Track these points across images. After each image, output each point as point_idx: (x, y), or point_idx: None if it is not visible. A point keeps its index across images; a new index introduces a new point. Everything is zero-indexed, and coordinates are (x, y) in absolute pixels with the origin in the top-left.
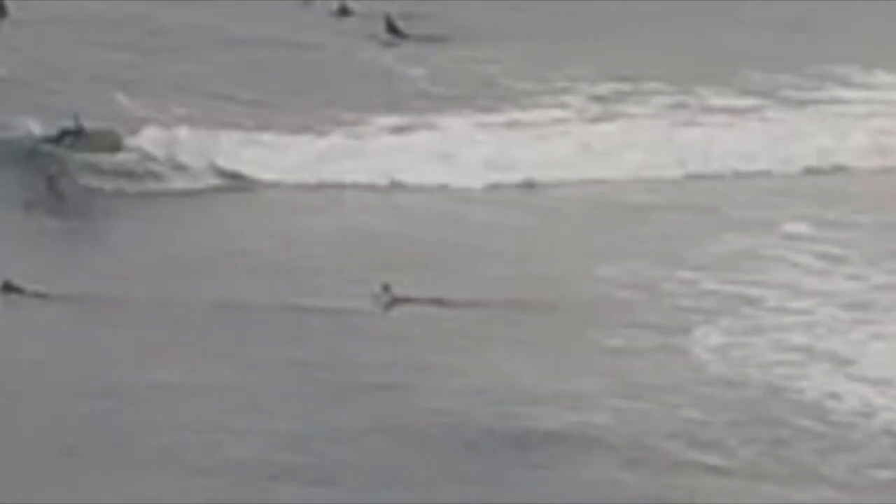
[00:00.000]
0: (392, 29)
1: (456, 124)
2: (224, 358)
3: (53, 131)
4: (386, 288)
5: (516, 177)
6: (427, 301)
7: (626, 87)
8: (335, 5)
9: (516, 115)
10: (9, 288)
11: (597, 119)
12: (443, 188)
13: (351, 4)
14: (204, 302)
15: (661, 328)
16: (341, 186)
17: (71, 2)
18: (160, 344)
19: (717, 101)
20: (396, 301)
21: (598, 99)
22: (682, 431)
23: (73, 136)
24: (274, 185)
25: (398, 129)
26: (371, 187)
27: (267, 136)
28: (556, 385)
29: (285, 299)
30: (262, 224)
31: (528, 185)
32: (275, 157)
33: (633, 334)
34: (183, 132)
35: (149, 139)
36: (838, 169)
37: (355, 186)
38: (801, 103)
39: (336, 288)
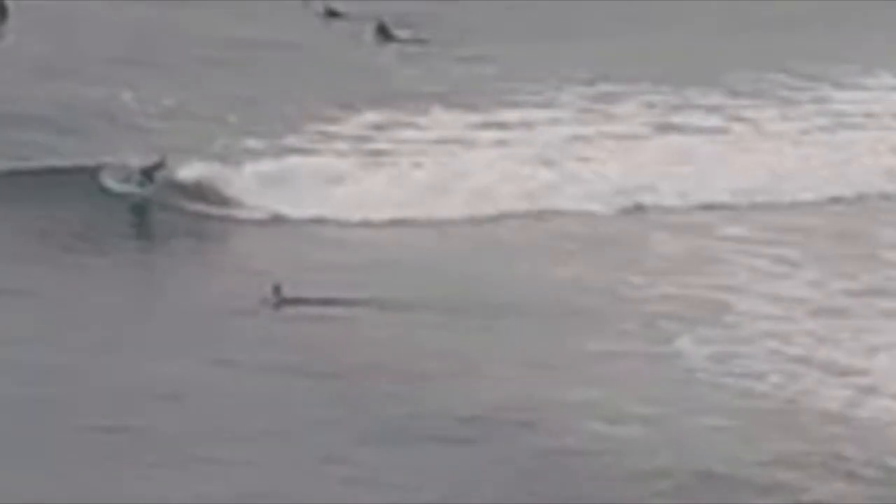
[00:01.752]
0: (383, 32)
1: (447, 125)
2: (218, 361)
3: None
4: (276, 289)
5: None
6: (317, 301)
7: (619, 87)
8: (322, 7)
9: (509, 115)
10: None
11: (588, 121)
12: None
13: (339, 6)
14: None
15: (638, 335)
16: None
17: (69, 3)
18: (150, 347)
19: (704, 102)
20: (286, 301)
21: (590, 99)
22: (699, 442)
23: (161, 170)
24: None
25: (381, 128)
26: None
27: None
28: (557, 393)
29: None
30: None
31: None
32: (275, 184)
33: (601, 337)
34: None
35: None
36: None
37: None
38: (795, 105)
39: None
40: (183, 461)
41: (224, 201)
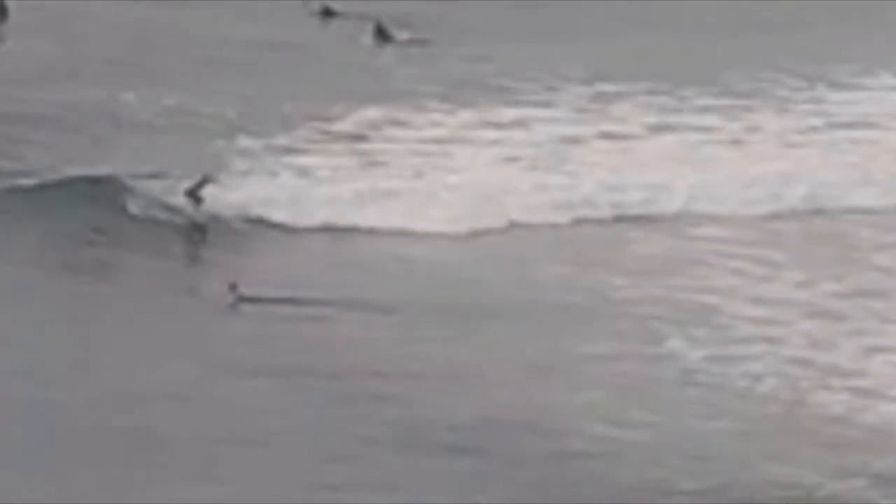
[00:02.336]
0: (381, 33)
1: (446, 125)
2: (217, 363)
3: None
4: (233, 287)
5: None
6: (276, 300)
7: (617, 87)
8: (317, 6)
9: (507, 115)
10: None
11: (586, 121)
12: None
13: (336, 6)
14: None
15: (633, 338)
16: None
17: (69, 3)
18: (150, 349)
19: (701, 103)
20: (243, 300)
21: (588, 99)
22: (701, 443)
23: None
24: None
25: (379, 127)
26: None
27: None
28: (557, 395)
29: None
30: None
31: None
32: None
33: (597, 340)
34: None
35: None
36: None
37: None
38: (793, 105)
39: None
40: (183, 462)
41: (222, 202)
